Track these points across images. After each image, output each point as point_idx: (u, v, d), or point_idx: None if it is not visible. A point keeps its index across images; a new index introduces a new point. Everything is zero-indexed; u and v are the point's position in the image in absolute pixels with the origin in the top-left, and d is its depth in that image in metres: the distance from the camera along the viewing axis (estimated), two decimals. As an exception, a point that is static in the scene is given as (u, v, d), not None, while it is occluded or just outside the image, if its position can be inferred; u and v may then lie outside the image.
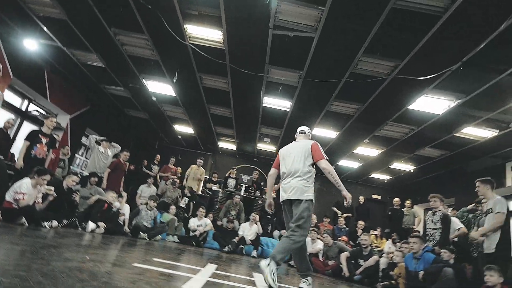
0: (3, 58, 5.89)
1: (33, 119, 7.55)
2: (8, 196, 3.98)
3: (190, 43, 5.28)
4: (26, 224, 3.82)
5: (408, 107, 5.95)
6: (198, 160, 9.06)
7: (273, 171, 3.44)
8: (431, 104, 5.73)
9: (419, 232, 5.60)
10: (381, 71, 5.12)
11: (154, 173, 8.84)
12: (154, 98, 7.90)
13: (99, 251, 3.13)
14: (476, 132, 6.45)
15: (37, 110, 7.67)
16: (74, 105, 8.38)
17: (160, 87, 7.36)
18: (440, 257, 4.15)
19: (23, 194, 3.99)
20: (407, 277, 4.23)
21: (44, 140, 5.35)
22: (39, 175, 4.23)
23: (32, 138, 5.26)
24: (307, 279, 3.03)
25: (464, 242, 4.85)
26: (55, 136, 6.05)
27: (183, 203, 7.87)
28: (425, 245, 4.30)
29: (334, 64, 5.21)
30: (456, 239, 4.84)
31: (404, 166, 9.53)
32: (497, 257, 3.68)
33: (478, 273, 3.99)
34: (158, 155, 9.36)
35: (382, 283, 4.88)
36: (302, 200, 3.01)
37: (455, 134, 6.64)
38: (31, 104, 7.51)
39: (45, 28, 5.65)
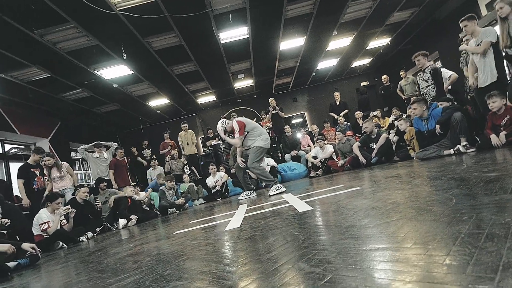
0: None
1: (15, 157, 7.37)
2: (36, 231, 4.10)
3: (119, 11, 4.81)
4: (65, 246, 4.00)
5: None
6: (182, 125, 8.98)
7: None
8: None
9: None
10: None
11: (148, 157, 8.92)
12: (115, 85, 7.51)
13: (140, 237, 3.31)
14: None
15: (13, 147, 7.44)
16: (45, 127, 8.09)
17: (115, 71, 6.95)
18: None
19: (47, 222, 4.10)
20: (420, 138, 4.43)
21: (37, 172, 5.39)
22: (51, 201, 4.29)
23: (25, 174, 5.27)
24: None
25: (458, 86, 4.99)
26: (42, 163, 5.98)
27: (187, 170, 8.06)
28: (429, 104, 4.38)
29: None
30: (450, 87, 4.96)
31: (380, 42, 9.36)
32: (498, 85, 3.66)
33: (479, 108, 4.17)
34: (146, 141, 9.42)
35: (400, 153, 5.18)
36: None
37: (416, -14, 6.36)
38: (5, 144, 7.25)
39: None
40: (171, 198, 6.31)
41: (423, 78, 4.77)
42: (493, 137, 3.47)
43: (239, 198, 4.85)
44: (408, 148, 4.99)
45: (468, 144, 3.78)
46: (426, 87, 4.74)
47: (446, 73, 5.19)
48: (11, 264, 2.68)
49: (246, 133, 4.64)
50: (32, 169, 5.35)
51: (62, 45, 5.45)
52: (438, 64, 8.31)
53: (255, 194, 4.98)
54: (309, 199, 2.89)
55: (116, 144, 7.03)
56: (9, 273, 2.54)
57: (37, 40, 5.02)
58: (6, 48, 5.08)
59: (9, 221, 3.93)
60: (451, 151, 3.90)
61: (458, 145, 3.84)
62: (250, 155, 4.63)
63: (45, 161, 5.44)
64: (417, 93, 6.36)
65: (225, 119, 4.89)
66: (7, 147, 7.35)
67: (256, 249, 1.44)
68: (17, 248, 2.85)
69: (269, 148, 5.02)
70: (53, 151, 8.06)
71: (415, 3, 7.27)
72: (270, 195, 4.22)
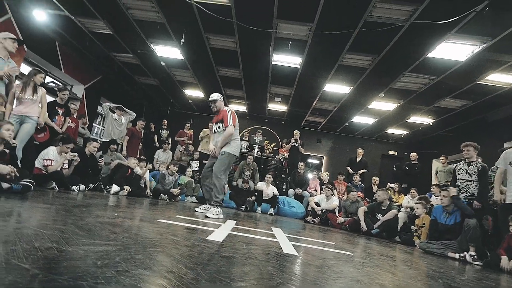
0: (15, 30, 5.85)
1: (50, 91, 7.70)
2: (38, 163, 4.21)
3: (195, 2, 5.07)
4: (56, 188, 4.08)
5: (428, 55, 5.65)
6: (210, 124, 8.99)
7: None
8: (453, 50, 5.40)
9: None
10: (398, 17, 4.80)
11: (163, 138, 8.99)
12: (162, 63, 7.81)
13: (126, 210, 3.32)
14: (501, 78, 6.12)
15: (53, 82, 7.79)
16: (87, 76, 8.44)
17: (168, 51, 7.24)
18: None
19: (51, 160, 4.22)
20: (433, 228, 4.27)
21: (60, 111, 5.59)
22: (63, 143, 4.42)
23: (50, 110, 5.45)
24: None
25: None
26: (71, 105, 6.22)
27: (195, 166, 8.05)
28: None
29: (346, 13, 4.91)
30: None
31: (422, 120, 9.29)
32: None
33: (498, 224, 3.99)
34: (165, 120, 9.49)
35: (404, 235, 4.95)
36: None
37: (478, 82, 6.33)
38: (47, 76, 7.61)
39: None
40: (169, 185, 6.33)
41: (467, 171, 4.41)
42: (504, 259, 3.28)
43: (196, 208, 4.31)
44: (414, 233, 4.79)
45: (476, 256, 3.61)
46: (468, 181, 4.38)
47: None
48: (4, 185, 2.74)
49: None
50: (57, 107, 5.56)
51: (134, 12, 5.77)
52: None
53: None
54: (297, 243, 2.82)
55: (135, 114, 7.18)
56: (-2, 193, 2.60)
57: (115, -1, 5.35)
58: (85, -4, 5.44)
59: (16, 143, 4.05)
60: (457, 255, 3.74)
61: (465, 253, 3.68)
62: (219, 161, 4.04)
63: (36, 73, 4.30)
64: (449, 183, 6.10)
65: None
66: (48, 79, 7.70)
67: (230, 272, 1.40)
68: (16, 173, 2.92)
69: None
70: (85, 98, 8.39)
71: (469, 97, 7.21)
72: (207, 216, 3.76)
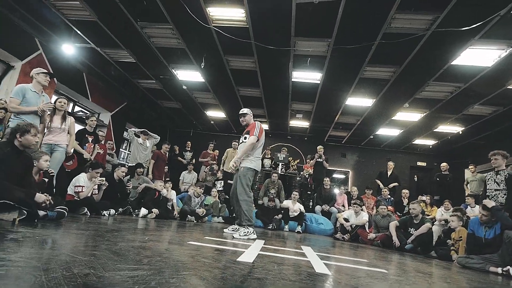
0: (46, 65, 6.31)
1: (79, 119, 8.14)
2: (70, 190, 4.41)
3: (213, 26, 5.27)
4: (88, 213, 4.21)
5: (452, 63, 5.49)
6: (233, 143, 9.05)
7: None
8: (479, 56, 5.23)
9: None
10: (418, 26, 4.74)
11: (187, 159, 9.12)
12: (184, 87, 8.08)
13: (156, 233, 3.36)
14: (533, 81, 5.82)
15: (81, 111, 8.24)
16: (113, 103, 8.87)
17: (189, 75, 7.50)
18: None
19: (82, 186, 4.40)
20: (472, 242, 4.02)
21: (90, 139, 5.87)
22: (93, 169, 4.61)
23: (80, 138, 5.74)
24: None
25: None
26: (99, 132, 6.53)
27: (219, 186, 8.08)
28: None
29: (364, 26, 4.92)
30: None
31: (451, 128, 8.92)
32: None
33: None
34: (189, 142, 9.65)
35: (440, 250, 4.70)
36: None
37: (508, 87, 6.04)
38: (75, 106, 8.08)
39: (78, 31, 5.96)
40: (195, 206, 6.37)
41: (495, 180, 4.34)
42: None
43: (225, 229, 4.22)
44: (451, 248, 4.50)
45: (521, 269, 3.32)
46: (496, 190, 4.31)
47: None
48: (41, 212, 2.87)
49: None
50: (86, 135, 5.84)
51: (155, 40, 6.08)
52: None
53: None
54: (328, 261, 2.71)
55: (159, 138, 7.31)
56: (35, 220, 2.72)
57: (137, 29, 5.67)
58: (110, 28, 5.81)
59: (54, 172, 4.27)
60: (499, 270, 3.45)
61: (508, 267, 3.40)
62: (239, 178, 3.95)
63: (59, 101, 4.37)
64: (482, 192, 5.82)
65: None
66: (76, 108, 8.17)
67: (265, 295, 1.36)
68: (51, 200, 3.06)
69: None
70: (111, 124, 8.78)
71: (500, 103, 6.88)
72: (234, 237, 3.69)
